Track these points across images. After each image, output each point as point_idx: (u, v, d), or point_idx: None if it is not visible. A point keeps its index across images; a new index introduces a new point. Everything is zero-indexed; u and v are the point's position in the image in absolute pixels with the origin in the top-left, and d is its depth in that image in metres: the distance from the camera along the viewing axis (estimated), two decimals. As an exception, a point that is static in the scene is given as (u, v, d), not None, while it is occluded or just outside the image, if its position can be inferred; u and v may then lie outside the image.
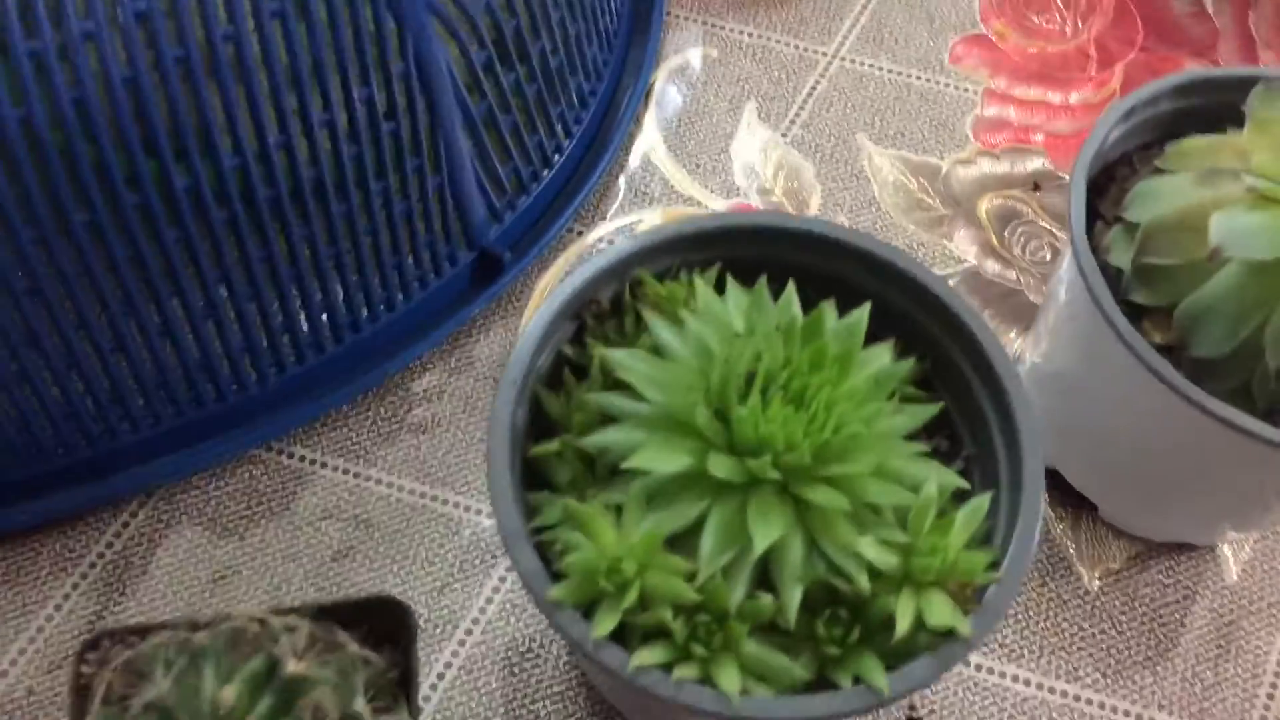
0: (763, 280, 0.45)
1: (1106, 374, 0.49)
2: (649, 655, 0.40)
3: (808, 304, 0.45)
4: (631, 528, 0.41)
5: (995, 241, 0.66)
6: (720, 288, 0.46)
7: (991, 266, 0.65)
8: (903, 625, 0.40)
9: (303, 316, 0.56)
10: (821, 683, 0.41)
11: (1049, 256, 0.65)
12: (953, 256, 0.66)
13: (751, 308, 0.45)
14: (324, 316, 0.57)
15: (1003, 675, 0.56)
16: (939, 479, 0.43)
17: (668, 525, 0.41)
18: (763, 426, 0.40)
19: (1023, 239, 0.66)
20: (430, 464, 0.60)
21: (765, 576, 0.41)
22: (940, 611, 0.40)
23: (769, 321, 0.44)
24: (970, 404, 0.47)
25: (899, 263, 0.47)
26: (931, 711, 0.56)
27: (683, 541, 0.41)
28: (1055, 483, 0.57)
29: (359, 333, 0.58)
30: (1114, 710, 0.55)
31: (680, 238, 0.47)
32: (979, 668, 0.56)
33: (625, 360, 0.43)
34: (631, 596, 0.40)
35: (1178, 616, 0.56)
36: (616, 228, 0.68)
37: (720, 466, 0.40)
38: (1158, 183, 0.48)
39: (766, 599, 0.41)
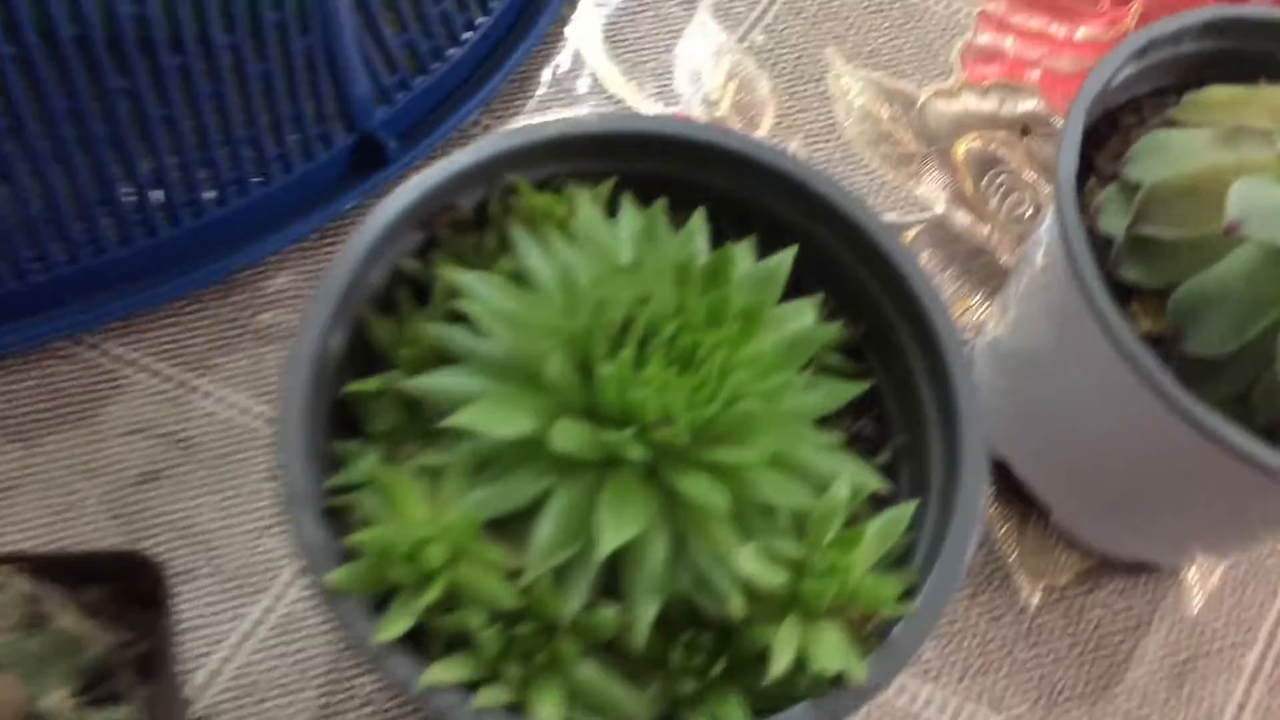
0: (660, 203, 0.35)
1: (1079, 360, 0.44)
2: (446, 671, 0.31)
3: (724, 240, 0.36)
4: (448, 503, 0.32)
5: (970, 190, 0.59)
6: (615, 210, 0.37)
7: (961, 218, 0.58)
8: (779, 664, 0.32)
9: (126, 188, 0.47)
10: (670, 722, 0.32)
11: (1029, 213, 0.59)
12: (918, 202, 0.59)
13: (644, 236, 0.35)
14: (155, 192, 0.48)
15: (914, 697, 0.49)
16: (854, 478, 0.34)
17: (495, 505, 0.32)
18: (632, 390, 0.32)
19: (1002, 190, 0.59)
20: (273, 380, 0.51)
21: (614, 583, 0.33)
22: (830, 650, 0.32)
23: (664, 256, 0.35)
24: (907, 383, 0.38)
25: (839, 200, 0.38)
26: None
27: (515, 529, 0.33)
28: (1003, 478, 0.51)
29: (201, 216, 0.49)
30: (1039, 750, 0.48)
31: (567, 139, 0.38)
32: (889, 684, 0.48)
33: (472, 285, 0.34)
34: (433, 592, 0.31)
35: (1127, 647, 0.50)
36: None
37: (567, 436, 0.31)
38: (1170, 137, 0.42)
39: (609, 612, 0.32)
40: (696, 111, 0.59)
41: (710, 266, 0.35)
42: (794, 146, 0.59)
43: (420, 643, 0.32)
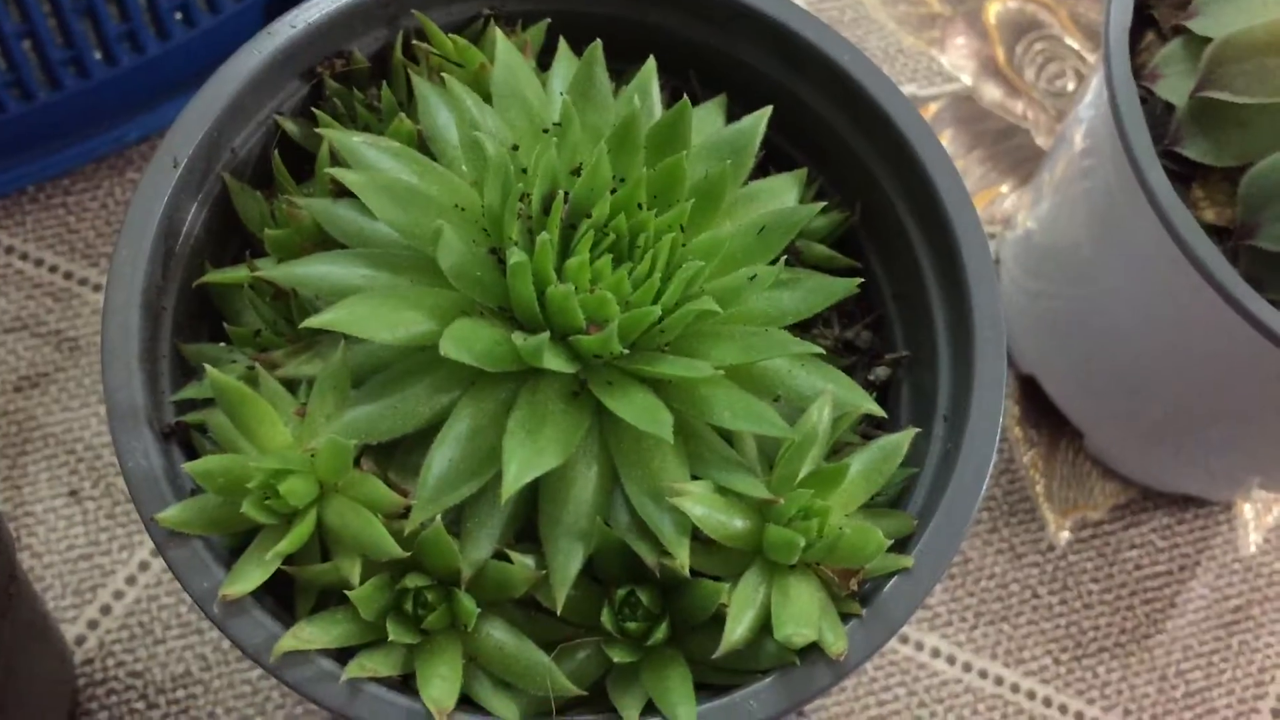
0: (597, 47, 0.28)
1: (1126, 257, 0.40)
2: (313, 633, 0.25)
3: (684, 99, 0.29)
4: (318, 424, 0.26)
5: (1002, 58, 0.54)
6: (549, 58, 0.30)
7: (991, 92, 0.54)
8: (735, 631, 0.26)
9: (-5, 44, 0.40)
10: (597, 698, 0.26)
11: (1071, 86, 0.54)
12: (941, 72, 0.53)
13: (578, 91, 0.28)
14: (27, 47, 0.42)
15: (919, 646, 0.45)
16: (839, 398, 0.28)
17: (378, 427, 0.27)
18: (554, 284, 0.25)
19: (1039, 60, 0.54)
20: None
21: (531, 526, 0.26)
22: (800, 614, 0.26)
23: (602, 116, 0.28)
24: (912, 282, 0.32)
25: (833, 51, 0.31)
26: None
27: (404, 458, 0.27)
28: (1030, 395, 0.47)
29: (88, 77, 0.44)
30: (1062, 710, 0.45)
31: (489, -35, 0.30)
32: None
33: (358, 149, 0.27)
34: (296, 536, 0.25)
35: (1168, 593, 0.46)
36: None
37: (465, 340, 0.25)
38: (1247, -19, 0.38)
39: (524, 562, 0.26)
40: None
41: (660, 129, 0.28)
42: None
43: (289, 601, 0.26)
